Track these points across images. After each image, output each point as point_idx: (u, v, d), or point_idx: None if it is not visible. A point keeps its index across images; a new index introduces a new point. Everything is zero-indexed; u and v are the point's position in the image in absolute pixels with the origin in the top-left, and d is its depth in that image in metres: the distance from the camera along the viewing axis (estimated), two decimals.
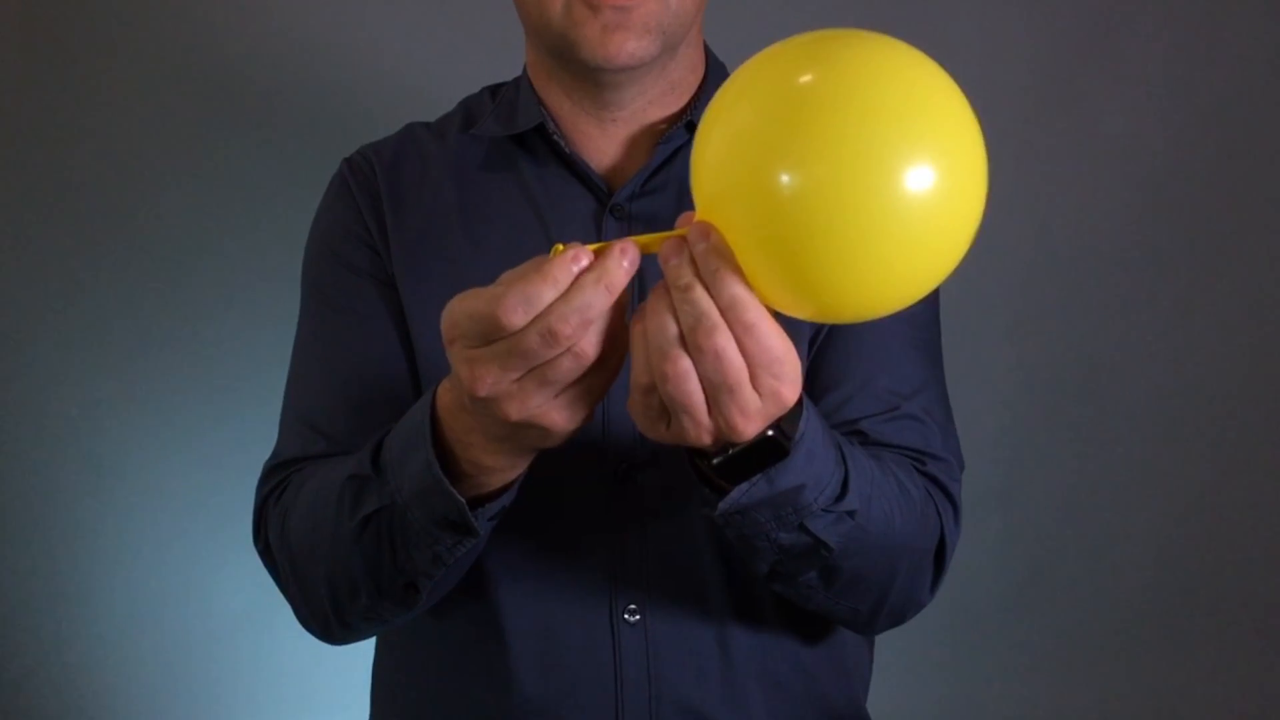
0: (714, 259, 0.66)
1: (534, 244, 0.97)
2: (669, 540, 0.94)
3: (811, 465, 0.77)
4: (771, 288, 0.66)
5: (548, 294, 0.66)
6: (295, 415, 0.99)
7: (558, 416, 0.71)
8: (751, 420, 0.69)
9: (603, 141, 0.99)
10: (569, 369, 0.68)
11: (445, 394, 0.77)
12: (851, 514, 0.81)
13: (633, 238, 0.68)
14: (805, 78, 0.64)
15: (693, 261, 0.66)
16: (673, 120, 0.99)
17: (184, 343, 1.58)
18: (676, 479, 0.94)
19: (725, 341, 0.66)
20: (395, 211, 1.00)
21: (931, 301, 1.03)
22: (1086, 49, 1.67)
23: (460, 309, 0.69)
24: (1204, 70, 1.67)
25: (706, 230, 0.66)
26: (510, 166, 1.00)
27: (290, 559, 0.92)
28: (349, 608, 0.90)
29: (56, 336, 1.57)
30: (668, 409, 0.70)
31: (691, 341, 0.66)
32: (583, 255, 0.67)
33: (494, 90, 1.07)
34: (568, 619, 0.94)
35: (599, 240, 0.95)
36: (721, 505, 0.76)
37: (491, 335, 0.68)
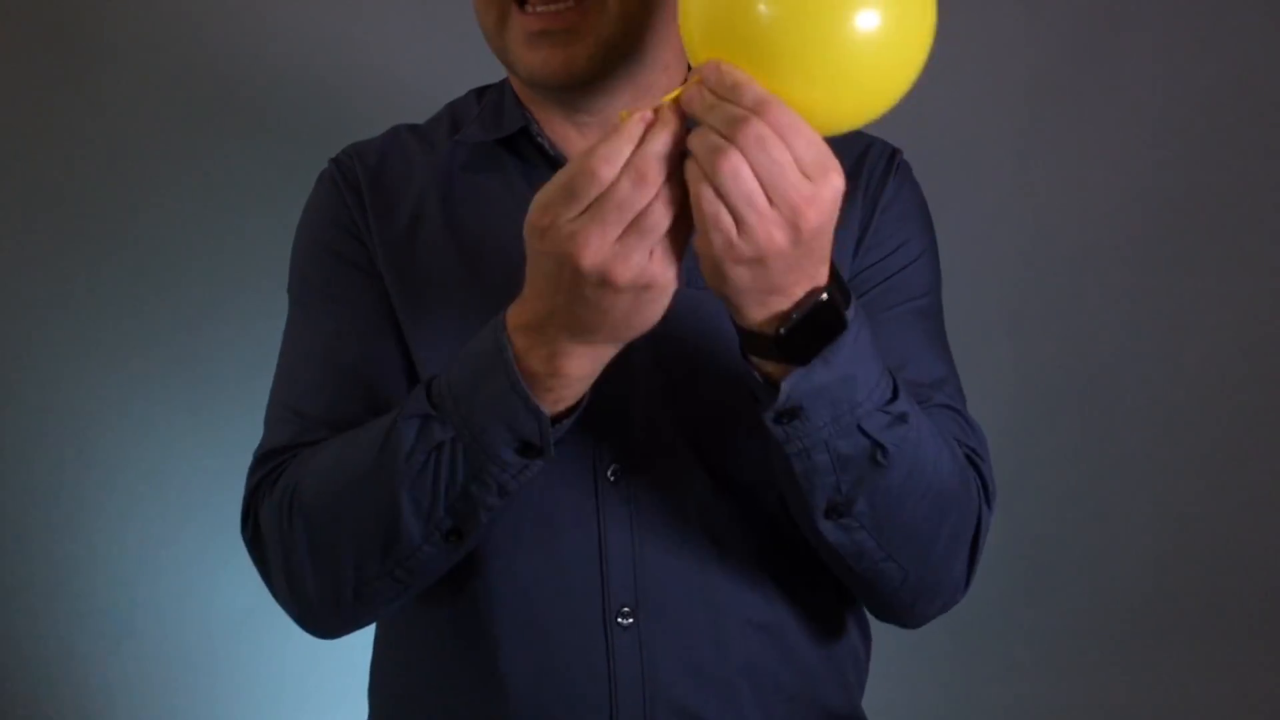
0: (730, 75, 0.71)
1: (522, 248, 0.97)
2: (662, 542, 0.94)
3: (859, 351, 0.79)
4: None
5: (627, 147, 0.71)
6: (284, 405, 0.99)
7: (660, 269, 0.74)
8: (814, 205, 0.71)
9: (582, 143, 0.98)
10: (661, 215, 0.72)
11: (517, 316, 0.79)
12: (904, 417, 0.82)
13: (666, 98, 0.74)
14: None
15: (713, 87, 0.71)
16: None
17: (184, 343, 1.58)
18: (670, 481, 0.94)
19: (761, 129, 0.69)
20: (379, 214, 1.00)
21: (936, 294, 1.03)
22: (1085, 50, 1.66)
23: (550, 187, 0.74)
24: (1203, 71, 1.67)
25: (716, 63, 0.71)
26: (497, 169, 1.00)
27: (307, 526, 0.90)
28: (376, 568, 0.89)
29: (56, 336, 1.57)
30: (737, 228, 0.72)
31: (733, 140, 0.70)
32: (647, 114, 0.73)
33: (480, 93, 1.07)
34: (560, 622, 0.93)
35: None
36: (785, 386, 0.78)
37: (586, 194, 0.72)
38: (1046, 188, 1.68)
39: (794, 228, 0.71)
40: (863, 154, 1.03)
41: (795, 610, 0.97)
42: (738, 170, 0.70)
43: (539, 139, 0.98)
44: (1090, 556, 1.71)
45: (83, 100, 1.56)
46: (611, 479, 0.93)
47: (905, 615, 0.96)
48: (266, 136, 1.57)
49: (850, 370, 0.79)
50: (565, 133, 0.99)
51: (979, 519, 0.94)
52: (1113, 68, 1.67)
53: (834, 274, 0.77)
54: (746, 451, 0.92)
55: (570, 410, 0.83)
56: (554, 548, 0.94)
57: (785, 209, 0.71)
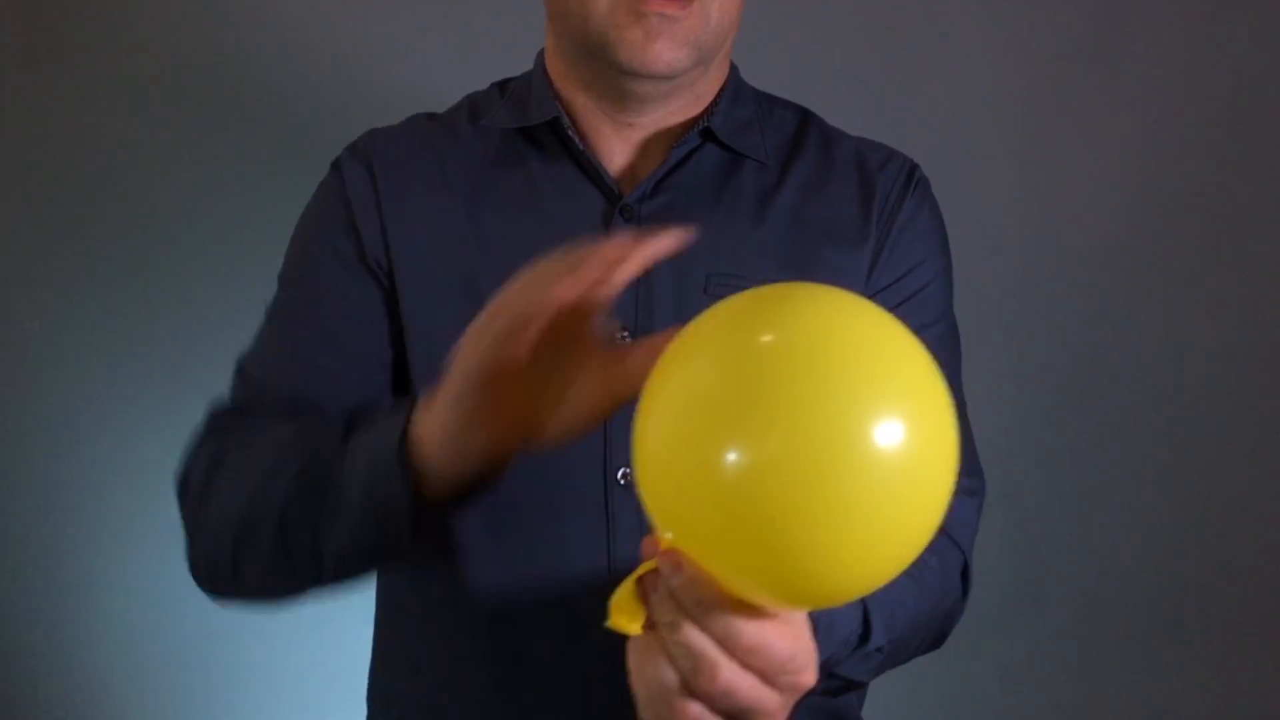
0: (693, 591, 0.59)
1: (541, 243, 0.96)
2: None
3: (832, 637, 0.78)
4: (759, 589, 0.58)
5: None
6: (243, 378, 0.99)
7: None
8: (780, 713, 0.65)
9: (616, 142, 0.98)
10: None
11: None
12: (880, 649, 0.83)
13: (615, 596, 0.61)
14: (737, 351, 0.55)
15: (673, 596, 0.59)
16: (688, 125, 0.99)
17: (184, 342, 1.58)
18: None
19: (732, 675, 0.60)
20: (395, 201, 0.99)
21: (949, 316, 1.02)
22: (1087, 49, 1.67)
23: None
24: (1204, 70, 1.67)
25: (677, 560, 0.58)
26: (519, 161, 0.99)
27: (208, 494, 0.88)
28: (250, 553, 0.84)
29: (56, 336, 1.56)
30: None
31: (696, 686, 0.60)
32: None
33: (501, 85, 1.06)
34: (562, 626, 0.93)
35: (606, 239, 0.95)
36: None
37: None
38: (1047, 188, 1.68)
39: None
40: (881, 166, 1.02)
41: None
42: (700, 718, 0.62)
43: (569, 132, 0.97)
44: (1090, 557, 1.71)
45: (84, 101, 1.55)
46: (621, 482, 0.93)
47: None
48: (269, 138, 1.57)
49: (823, 657, 0.73)
50: (601, 130, 0.98)
51: (965, 566, 0.96)
52: (1113, 68, 1.67)
53: None
54: None
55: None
56: (559, 551, 0.94)
57: None
